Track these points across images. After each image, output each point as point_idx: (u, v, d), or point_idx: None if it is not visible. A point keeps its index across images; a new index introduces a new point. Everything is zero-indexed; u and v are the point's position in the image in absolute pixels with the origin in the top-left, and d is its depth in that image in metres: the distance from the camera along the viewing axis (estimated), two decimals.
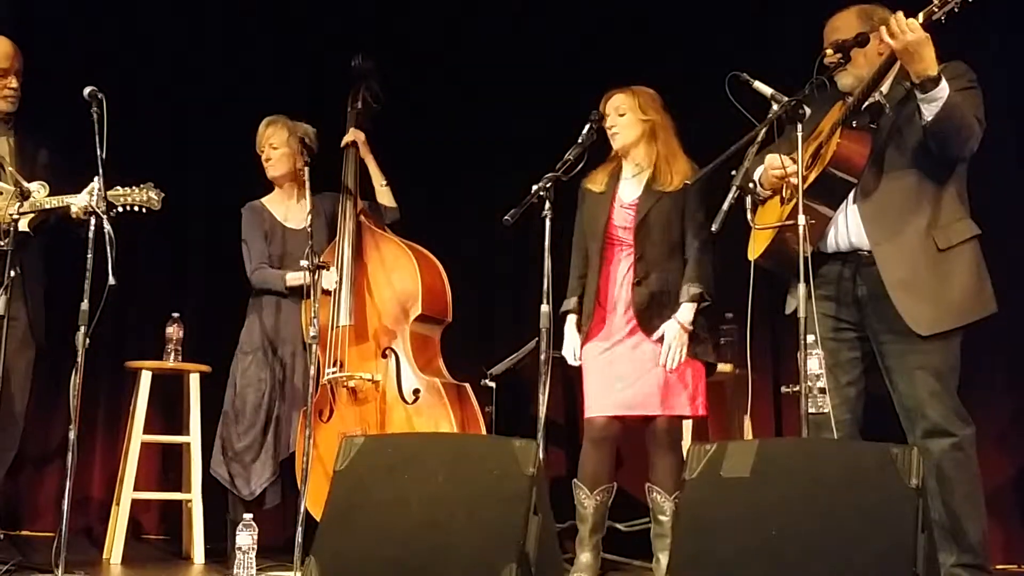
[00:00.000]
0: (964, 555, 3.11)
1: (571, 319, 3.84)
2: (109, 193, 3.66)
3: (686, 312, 3.66)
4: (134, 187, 3.83)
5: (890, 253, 3.17)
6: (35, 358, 4.05)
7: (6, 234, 3.77)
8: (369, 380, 4.22)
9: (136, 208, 3.82)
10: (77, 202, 3.77)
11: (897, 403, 3.20)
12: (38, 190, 3.89)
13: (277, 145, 4.42)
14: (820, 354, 2.96)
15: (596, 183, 3.87)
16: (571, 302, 3.85)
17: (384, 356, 4.24)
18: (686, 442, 4.38)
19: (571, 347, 3.84)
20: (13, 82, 4.03)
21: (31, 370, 4.04)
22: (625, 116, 3.77)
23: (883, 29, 2.98)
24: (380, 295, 4.32)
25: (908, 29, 2.90)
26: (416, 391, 4.16)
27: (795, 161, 3.05)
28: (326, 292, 4.24)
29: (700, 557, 2.48)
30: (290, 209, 4.49)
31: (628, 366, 3.70)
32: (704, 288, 3.67)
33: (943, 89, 2.98)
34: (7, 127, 4.08)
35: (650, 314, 3.70)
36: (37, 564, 3.78)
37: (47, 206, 3.85)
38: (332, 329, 4.24)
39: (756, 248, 3.33)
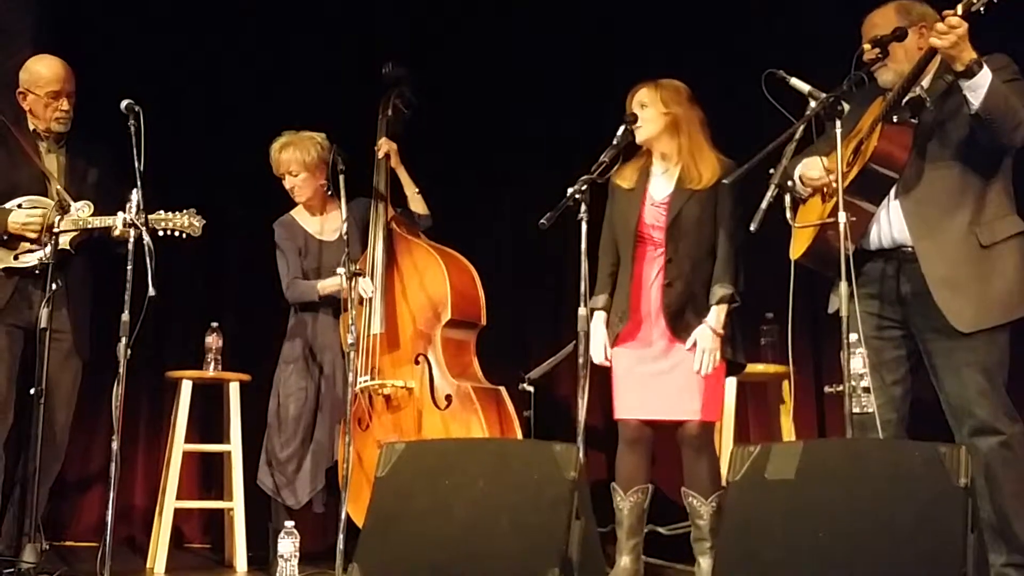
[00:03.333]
0: (1014, 555, 3.07)
1: (599, 316, 3.79)
2: (151, 217, 3.70)
3: (715, 316, 3.60)
4: (176, 212, 3.87)
5: (932, 249, 3.13)
6: (81, 373, 4.08)
7: (46, 246, 3.82)
8: (403, 387, 4.22)
9: (177, 233, 3.86)
10: (119, 221, 3.81)
11: (944, 402, 3.16)
12: (82, 208, 3.94)
13: (296, 171, 4.39)
14: (864, 353, 2.93)
15: (625, 179, 3.81)
16: (600, 299, 3.77)
17: (417, 363, 4.24)
18: (727, 445, 4.35)
19: (599, 345, 3.79)
20: (65, 104, 4.07)
21: (77, 384, 4.08)
22: (646, 109, 3.72)
23: (932, 33, 2.95)
24: (412, 302, 4.32)
25: (954, 26, 2.87)
26: (448, 397, 4.15)
27: (833, 166, 3.02)
28: (361, 302, 4.25)
29: (746, 559, 2.45)
30: (321, 221, 4.50)
31: (661, 369, 3.66)
32: (733, 289, 3.61)
33: (986, 74, 2.95)
34: (58, 146, 4.12)
35: (681, 318, 3.64)
36: (82, 574, 3.81)
37: (91, 225, 3.89)
38: (365, 337, 4.25)
39: (797, 247, 3.30)
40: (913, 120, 3.14)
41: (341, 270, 4.04)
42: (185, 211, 3.90)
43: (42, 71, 4.07)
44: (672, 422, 3.67)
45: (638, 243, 3.75)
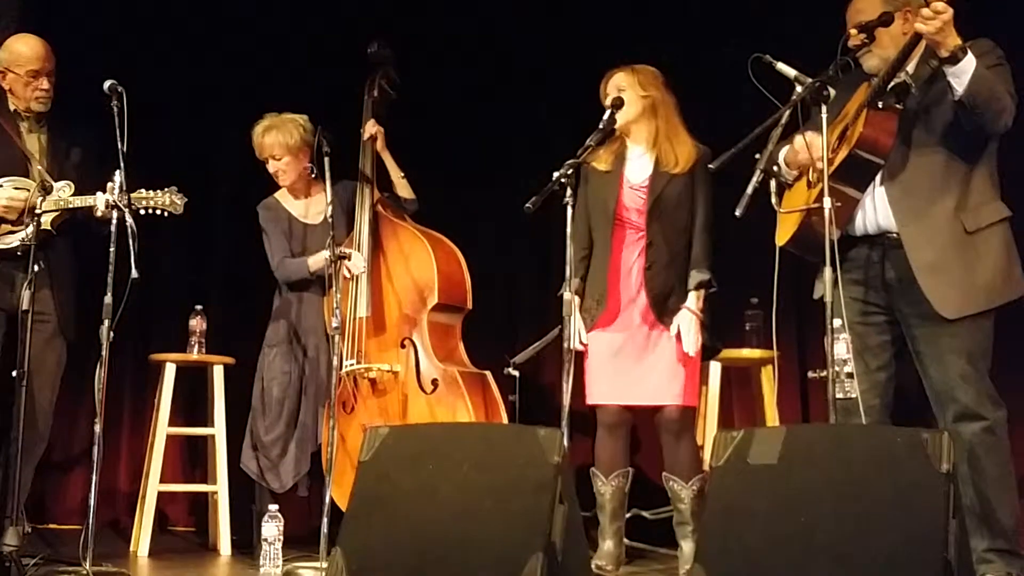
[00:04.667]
0: (996, 540, 3.08)
1: (575, 301, 3.76)
2: (133, 195, 3.67)
3: (694, 300, 3.65)
4: (158, 191, 3.84)
5: (917, 235, 3.14)
6: (65, 355, 4.06)
7: (27, 227, 3.79)
8: (389, 371, 4.22)
9: (159, 212, 3.83)
10: (100, 201, 3.78)
11: (928, 387, 3.17)
12: (63, 189, 3.91)
13: (280, 155, 4.36)
14: (847, 339, 2.93)
15: (601, 161, 3.81)
16: (574, 283, 3.75)
17: (403, 347, 4.23)
18: (711, 430, 4.36)
19: (575, 330, 3.76)
20: (45, 83, 4.03)
21: (62, 366, 4.04)
22: (624, 93, 3.73)
23: (916, 18, 2.95)
24: (398, 285, 4.31)
25: (939, 11, 2.87)
26: (434, 381, 4.15)
27: (813, 139, 3.03)
28: (347, 280, 4.23)
29: (729, 544, 2.46)
30: (305, 205, 4.48)
31: (639, 355, 3.67)
32: (711, 275, 3.65)
33: (971, 60, 2.95)
34: (39, 126, 4.08)
35: (664, 302, 3.67)
36: (65, 557, 3.80)
37: (72, 205, 3.86)
38: (351, 321, 4.24)
39: (783, 233, 3.30)
40: (898, 106, 3.13)
41: (327, 253, 4.03)
42: (167, 189, 3.86)
43: (22, 50, 4.03)
44: (652, 407, 3.68)
45: (616, 226, 3.75)
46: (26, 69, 4.01)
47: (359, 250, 4.30)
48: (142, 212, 3.77)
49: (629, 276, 3.72)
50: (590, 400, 3.77)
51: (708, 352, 3.79)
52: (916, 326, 3.16)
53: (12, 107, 4.07)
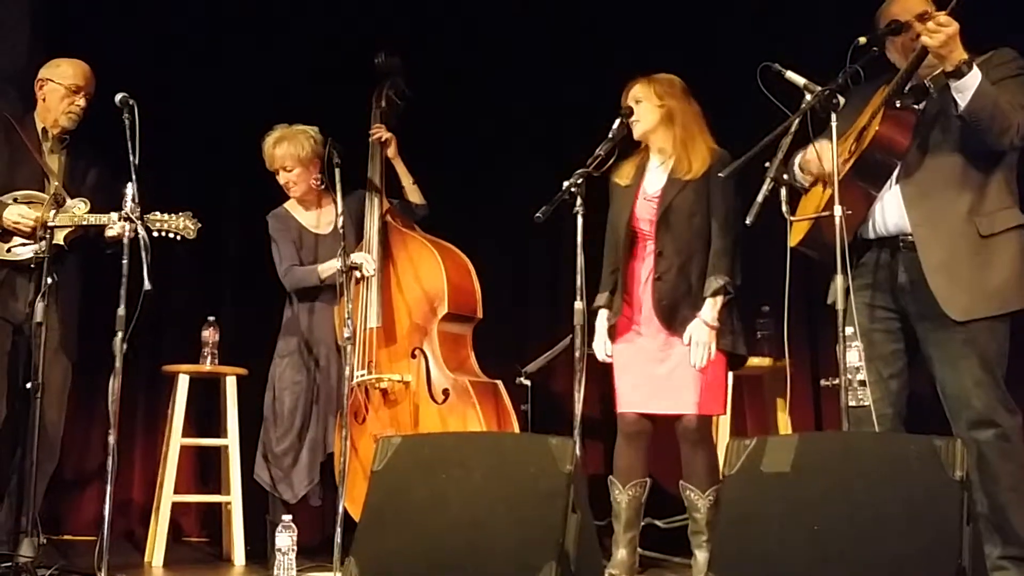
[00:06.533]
0: (1009, 547, 3.06)
1: (602, 314, 3.80)
2: (147, 217, 3.71)
3: (709, 309, 3.61)
4: (172, 214, 3.86)
5: (930, 236, 3.13)
6: (71, 371, 4.06)
7: (41, 240, 3.81)
8: (399, 381, 4.22)
9: (171, 235, 3.85)
10: (114, 219, 3.80)
11: (940, 392, 3.16)
12: (77, 204, 3.94)
13: (291, 167, 4.37)
14: (859, 346, 2.93)
15: (623, 176, 3.83)
16: (602, 297, 3.80)
17: (413, 356, 4.24)
18: (724, 438, 4.36)
19: (600, 343, 3.80)
20: (81, 101, 4.08)
21: (68, 382, 4.05)
22: (641, 104, 3.73)
23: (922, 30, 2.95)
24: (408, 295, 4.31)
25: (943, 24, 2.88)
26: (445, 391, 4.15)
27: (831, 150, 3.03)
28: (358, 282, 4.24)
29: (742, 553, 2.46)
30: (315, 215, 4.49)
31: (657, 364, 3.67)
32: (727, 280, 3.60)
33: (975, 76, 2.95)
34: (61, 146, 4.12)
35: (675, 312, 3.65)
36: (80, 568, 3.82)
37: (86, 222, 3.88)
38: (361, 331, 4.25)
39: (795, 235, 3.30)
40: (916, 106, 3.14)
41: (338, 263, 4.04)
42: (181, 213, 3.89)
43: (69, 66, 4.11)
44: (670, 416, 3.67)
45: (631, 239, 3.76)
46: (69, 82, 4.07)
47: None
48: (155, 234, 3.79)
49: (643, 286, 3.73)
50: (618, 409, 3.78)
51: (735, 360, 3.76)
52: (929, 330, 3.15)
53: (39, 125, 4.10)
